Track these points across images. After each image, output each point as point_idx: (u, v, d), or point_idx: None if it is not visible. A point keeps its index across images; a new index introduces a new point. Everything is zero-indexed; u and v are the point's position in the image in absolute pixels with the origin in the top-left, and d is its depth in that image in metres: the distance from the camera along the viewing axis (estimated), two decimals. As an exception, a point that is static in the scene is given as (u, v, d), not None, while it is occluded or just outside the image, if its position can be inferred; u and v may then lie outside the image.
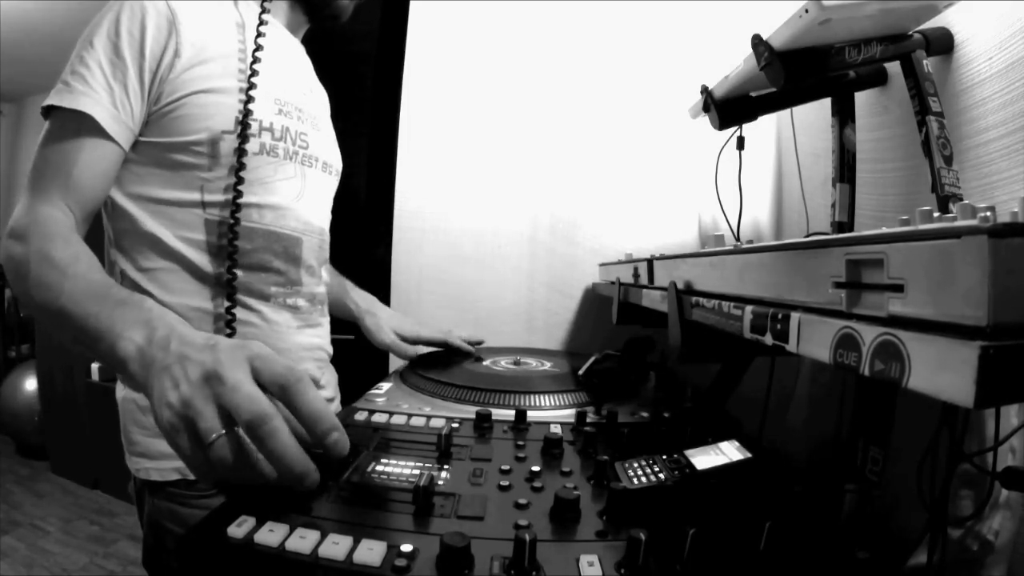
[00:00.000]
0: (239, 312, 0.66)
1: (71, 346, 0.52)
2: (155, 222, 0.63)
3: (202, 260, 0.64)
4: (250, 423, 0.38)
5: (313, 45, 0.83)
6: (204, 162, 0.63)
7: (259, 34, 0.67)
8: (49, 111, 0.59)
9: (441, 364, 0.89)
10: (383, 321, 0.96)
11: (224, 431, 0.38)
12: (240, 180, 0.64)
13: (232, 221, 0.64)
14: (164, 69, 0.60)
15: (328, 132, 0.81)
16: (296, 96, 0.73)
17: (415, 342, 0.97)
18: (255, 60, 0.65)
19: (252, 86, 0.64)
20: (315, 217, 0.75)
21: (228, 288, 0.65)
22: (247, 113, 0.64)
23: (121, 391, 0.67)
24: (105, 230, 0.67)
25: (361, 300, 0.98)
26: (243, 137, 0.64)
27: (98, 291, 0.50)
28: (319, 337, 0.78)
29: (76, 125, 0.58)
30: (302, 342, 0.74)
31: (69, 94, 0.57)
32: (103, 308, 0.48)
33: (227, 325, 0.65)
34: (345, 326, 0.95)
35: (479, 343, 1.02)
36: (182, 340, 0.43)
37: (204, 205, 0.64)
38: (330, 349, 0.82)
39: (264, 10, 0.70)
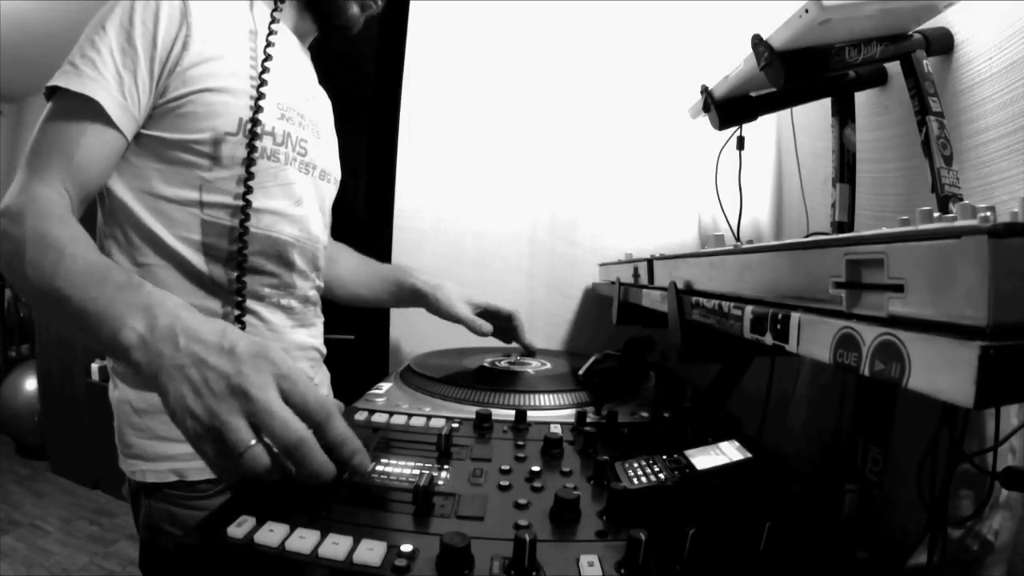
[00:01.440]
0: (234, 311, 0.65)
1: (68, 332, 0.51)
2: (153, 218, 0.63)
3: (197, 260, 0.64)
4: (287, 449, 0.39)
5: (315, 49, 0.83)
6: (205, 162, 0.63)
7: (269, 44, 0.67)
8: (53, 92, 0.58)
9: (441, 364, 0.89)
10: (454, 296, 0.96)
11: (254, 443, 0.38)
12: (249, 190, 0.64)
13: (242, 226, 0.64)
14: (172, 61, 0.60)
15: (328, 140, 0.81)
16: (298, 102, 0.72)
17: (485, 310, 0.99)
18: (265, 70, 0.65)
19: (261, 96, 0.64)
20: (311, 224, 0.75)
21: (238, 285, 0.64)
22: (256, 122, 0.63)
23: (114, 392, 0.66)
24: (98, 223, 0.66)
25: (429, 278, 0.98)
26: (251, 147, 0.63)
27: (97, 273, 0.49)
28: (313, 337, 0.78)
29: (82, 109, 0.57)
30: (296, 341, 0.74)
31: (78, 77, 0.56)
32: (103, 292, 0.47)
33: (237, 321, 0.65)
34: (345, 326, 0.96)
35: (532, 353, 1.01)
36: (190, 334, 0.42)
37: (202, 205, 0.64)
38: (324, 349, 0.82)
39: (274, 20, 0.69)
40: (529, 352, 1.00)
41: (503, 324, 1.00)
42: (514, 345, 1.02)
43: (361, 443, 0.42)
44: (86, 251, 0.52)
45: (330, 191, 0.81)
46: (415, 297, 0.97)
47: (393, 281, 0.98)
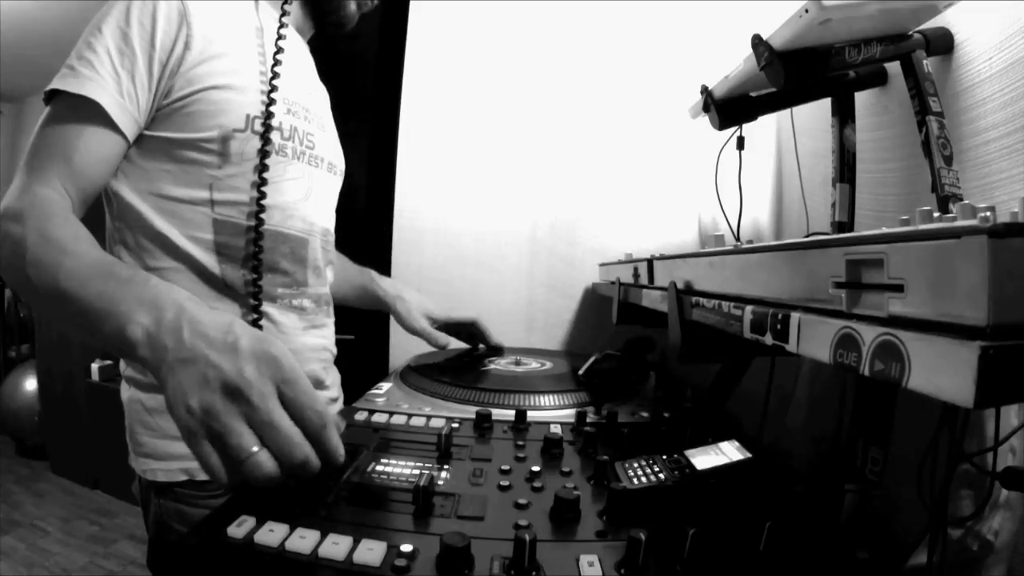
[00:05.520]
0: (248, 314, 0.65)
1: (72, 332, 0.51)
2: (163, 220, 0.62)
3: (210, 261, 0.64)
4: (290, 465, 0.39)
5: (314, 45, 0.83)
6: (214, 160, 0.62)
7: (280, 36, 0.67)
8: (51, 96, 0.58)
9: (441, 364, 0.89)
10: (413, 306, 0.98)
11: (256, 449, 0.38)
12: (264, 182, 0.64)
13: (256, 219, 0.64)
14: (174, 62, 0.59)
15: (332, 132, 0.81)
16: (303, 96, 0.72)
17: (446, 324, 1.00)
18: (276, 63, 0.65)
19: (274, 88, 0.64)
20: (320, 217, 0.75)
21: (254, 289, 0.65)
22: (269, 115, 0.63)
23: (126, 392, 0.66)
24: (108, 227, 0.66)
25: (389, 286, 0.99)
26: (266, 139, 0.63)
27: (101, 269, 0.49)
28: (324, 338, 0.78)
29: (80, 110, 0.56)
30: (308, 343, 0.74)
31: (75, 79, 0.56)
32: (107, 287, 0.46)
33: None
34: (345, 326, 0.95)
35: (499, 349, 1.03)
36: (195, 328, 0.42)
37: (213, 204, 0.63)
38: (334, 349, 0.82)
39: (284, 12, 0.69)
40: (497, 350, 1.01)
41: (468, 331, 1.02)
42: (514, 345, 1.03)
43: (340, 442, 0.42)
44: (89, 248, 0.51)
45: (337, 184, 0.81)
46: (379, 304, 0.99)
47: (359, 286, 0.98)
